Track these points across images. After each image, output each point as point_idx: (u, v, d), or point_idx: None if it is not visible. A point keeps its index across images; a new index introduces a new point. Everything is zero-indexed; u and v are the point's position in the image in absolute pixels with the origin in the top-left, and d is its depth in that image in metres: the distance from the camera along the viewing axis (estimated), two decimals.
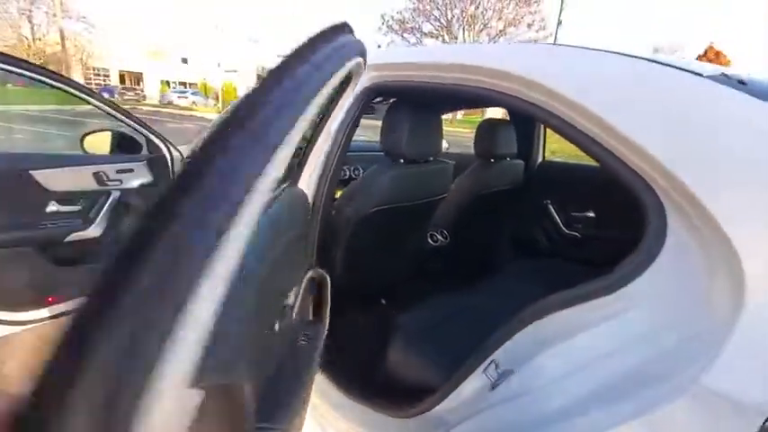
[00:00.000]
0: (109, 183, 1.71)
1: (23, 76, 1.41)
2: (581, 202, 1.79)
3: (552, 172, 1.97)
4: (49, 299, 1.60)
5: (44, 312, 1.61)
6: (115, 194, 1.72)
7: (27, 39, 25.97)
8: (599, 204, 1.73)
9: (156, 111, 19.40)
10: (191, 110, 22.29)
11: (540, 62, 0.72)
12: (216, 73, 30.14)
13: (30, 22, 26.26)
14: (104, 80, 32.07)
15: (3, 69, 1.36)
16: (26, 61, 1.44)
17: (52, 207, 1.58)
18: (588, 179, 1.74)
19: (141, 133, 1.80)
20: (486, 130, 1.60)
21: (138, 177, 1.80)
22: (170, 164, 1.88)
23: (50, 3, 23.42)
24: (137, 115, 1.83)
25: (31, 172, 1.49)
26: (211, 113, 19.14)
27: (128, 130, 1.83)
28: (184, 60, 42.21)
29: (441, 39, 23.34)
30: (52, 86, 1.47)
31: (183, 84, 36.37)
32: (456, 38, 22.96)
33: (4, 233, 1.46)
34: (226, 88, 26.93)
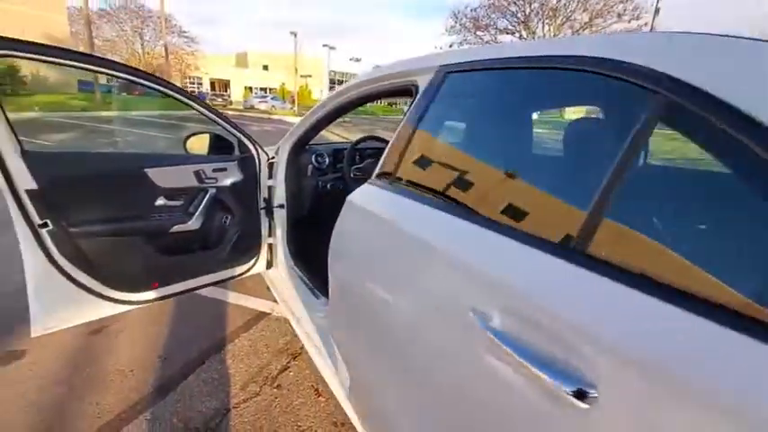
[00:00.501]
0: (206, 180, 1.86)
1: (149, 87, 1.59)
2: (690, 213, 1.57)
3: (658, 178, 1.75)
4: (155, 284, 1.79)
5: (150, 295, 1.80)
6: (211, 191, 1.87)
7: (138, 53, 29.86)
8: (710, 215, 1.50)
9: (241, 114, 21.11)
10: (270, 113, 23.91)
11: (669, 54, 0.63)
12: (292, 78, 31.99)
13: (141, 38, 30.18)
14: (198, 87, 35.72)
15: (133, 82, 1.55)
16: (151, 74, 1.63)
17: (160, 201, 1.76)
18: (701, 187, 1.51)
19: (234, 135, 1.93)
20: (580, 131, 1.47)
21: (230, 176, 1.94)
22: (257, 163, 2.00)
23: (157, 21, 26.63)
24: None
25: (146, 170, 1.67)
26: (289, 116, 20.39)
27: (222, 133, 1.98)
28: (265, 67, 45.49)
29: (518, 35, 22.35)
30: (167, 95, 1.64)
31: (264, 89, 39.24)
32: (534, 33, 21.79)
33: (124, 223, 1.66)
34: (301, 91, 28.48)
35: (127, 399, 1.66)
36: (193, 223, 1.82)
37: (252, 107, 26.71)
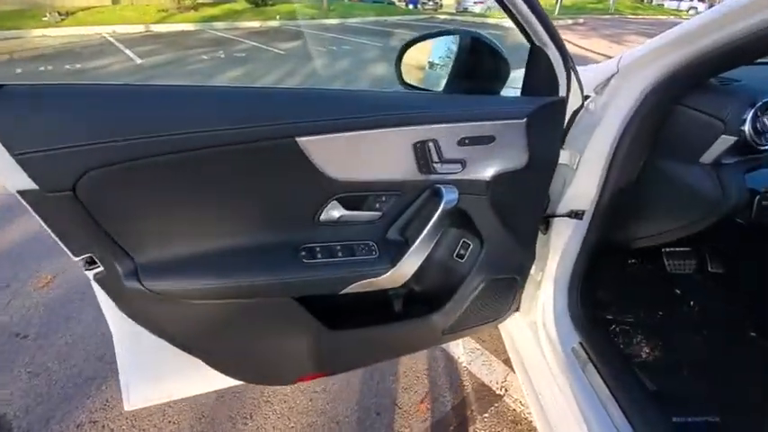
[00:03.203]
0: (438, 167, 0.75)
1: None
2: None
3: None
4: (306, 378, 0.90)
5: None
6: (449, 196, 0.75)
7: None
8: None
9: (452, 19, 19.17)
10: (485, 17, 21.04)
11: None
12: None
13: None
14: None
15: None
16: None
17: (333, 212, 0.76)
18: None
19: (536, 42, 0.72)
20: None
21: (499, 154, 0.78)
22: (568, 112, 0.77)
23: None
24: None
25: (298, 140, 0.65)
26: (507, 20, 17.21)
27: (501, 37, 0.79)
28: None
29: None
30: None
31: None
32: None
33: (249, 273, 0.73)
34: None
35: None
36: (394, 274, 0.77)
37: (465, 10, 24.10)
